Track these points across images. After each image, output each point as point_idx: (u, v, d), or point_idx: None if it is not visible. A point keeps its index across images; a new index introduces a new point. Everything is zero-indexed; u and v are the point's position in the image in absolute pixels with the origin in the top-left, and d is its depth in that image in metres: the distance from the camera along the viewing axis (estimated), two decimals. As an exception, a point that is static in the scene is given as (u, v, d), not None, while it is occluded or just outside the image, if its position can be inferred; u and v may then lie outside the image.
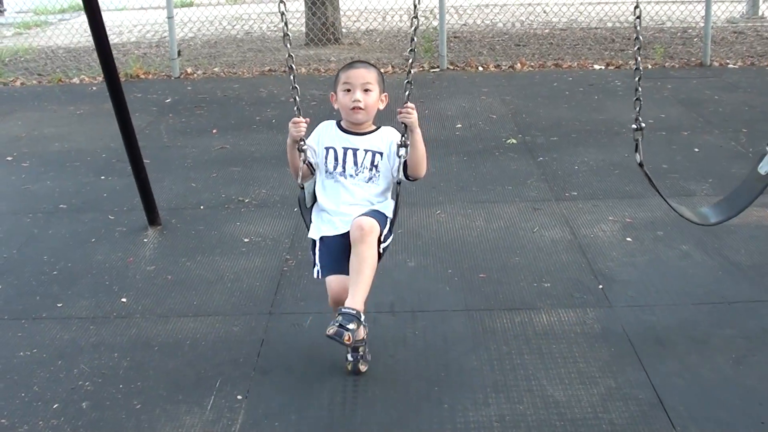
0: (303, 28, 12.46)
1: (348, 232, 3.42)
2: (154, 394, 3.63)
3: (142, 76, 10.40)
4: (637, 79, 3.74)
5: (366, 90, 3.55)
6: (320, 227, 3.61)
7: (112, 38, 5.10)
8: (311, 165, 3.62)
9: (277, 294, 4.52)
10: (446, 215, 5.56)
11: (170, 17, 10.38)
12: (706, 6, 10.42)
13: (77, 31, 12.69)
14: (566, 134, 7.40)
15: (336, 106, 3.66)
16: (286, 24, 3.60)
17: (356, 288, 3.32)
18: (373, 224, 3.37)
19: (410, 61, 3.58)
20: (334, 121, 3.70)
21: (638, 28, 3.74)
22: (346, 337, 3.20)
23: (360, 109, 3.54)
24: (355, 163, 3.57)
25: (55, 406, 3.56)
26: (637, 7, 3.72)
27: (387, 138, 3.62)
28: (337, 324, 3.22)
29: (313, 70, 10.52)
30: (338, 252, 3.49)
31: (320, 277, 3.56)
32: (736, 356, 3.80)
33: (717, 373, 3.67)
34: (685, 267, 4.72)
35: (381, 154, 3.59)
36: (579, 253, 4.92)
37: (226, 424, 3.41)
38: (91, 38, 5.05)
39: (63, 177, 6.61)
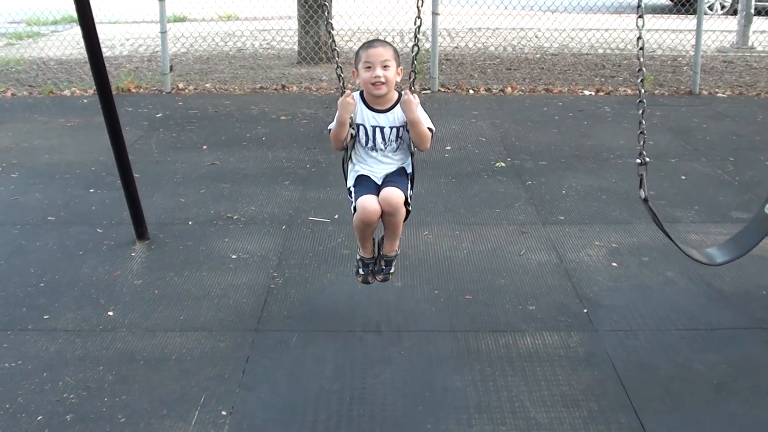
0: (295, 47, 12.51)
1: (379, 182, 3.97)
2: (139, 408, 3.63)
3: (134, 90, 10.40)
4: (641, 112, 3.73)
5: (385, 66, 3.87)
6: (356, 174, 4.03)
7: (104, 51, 5.10)
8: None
9: (263, 311, 4.53)
10: (434, 236, 5.59)
11: (163, 32, 10.38)
12: (697, 35, 10.50)
13: (69, 43, 12.69)
14: (555, 159, 7.45)
15: (357, 82, 4.00)
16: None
17: (393, 241, 4.08)
18: (399, 195, 3.85)
19: (414, 54, 3.91)
20: (358, 93, 4.02)
21: (641, 59, 3.72)
22: (390, 278, 4.20)
23: (381, 83, 3.89)
24: (383, 139, 3.99)
25: (39, 418, 3.56)
26: (639, 38, 3.69)
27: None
28: (383, 272, 4.16)
29: (304, 89, 10.56)
30: (371, 185, 3.95)
31: (354, 202, 3.91)
32: (718, 382, 3.83)
33: (699, 398, 3.71)
34: (670, 293, 4.76)
35: (404, 126, 4.01)
36: (565, 277, 4.95)
37: (210, 439, 3.42)
38: (83, 50, 5.06)
39: (52, 189, 6.60)
